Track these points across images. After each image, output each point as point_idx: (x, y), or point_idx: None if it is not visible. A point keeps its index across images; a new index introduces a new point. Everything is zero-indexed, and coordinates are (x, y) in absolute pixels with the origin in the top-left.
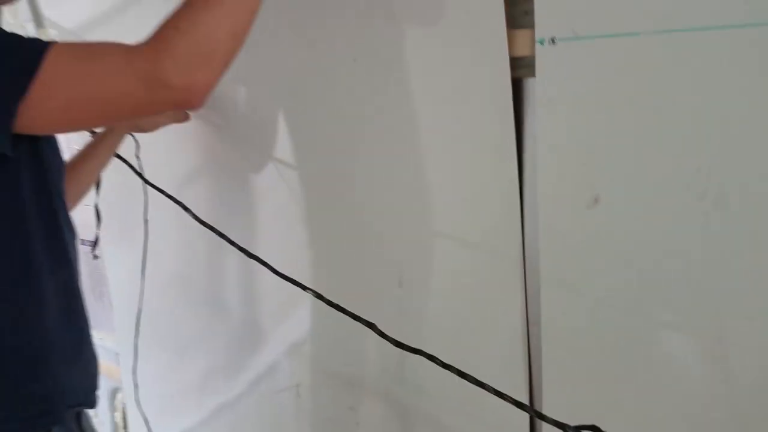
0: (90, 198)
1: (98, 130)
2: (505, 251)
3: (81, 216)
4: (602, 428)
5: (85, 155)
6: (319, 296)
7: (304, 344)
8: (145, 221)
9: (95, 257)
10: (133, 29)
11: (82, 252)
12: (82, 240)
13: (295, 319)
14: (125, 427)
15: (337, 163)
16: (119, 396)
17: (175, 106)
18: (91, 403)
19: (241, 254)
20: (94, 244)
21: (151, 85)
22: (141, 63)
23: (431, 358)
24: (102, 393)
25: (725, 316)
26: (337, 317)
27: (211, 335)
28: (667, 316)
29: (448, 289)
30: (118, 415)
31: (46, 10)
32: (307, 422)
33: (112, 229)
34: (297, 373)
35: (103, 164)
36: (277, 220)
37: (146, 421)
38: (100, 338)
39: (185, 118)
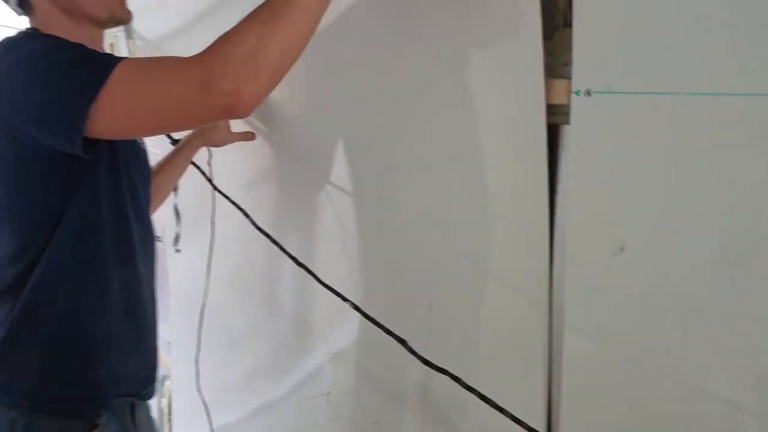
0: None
1: (176, 137)
2: (531, 290)
3: (157, 215)
4: None
5: (163, 164)
6: (356, 308)
7: (339, 354)
8: (212, 223)
9: (177, 251)
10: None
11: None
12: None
13: (334, 330)
14: (170, 413)
15: (382, 196)
16: (167, 383)
17: (222, 111)
18: (145, 396)
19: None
20: (176, 239)
21: (202, 89)
22: (194, 69)
23: (456, 378)
24: None
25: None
26: (372, 332)
27: (260, 335)
28: (682, 368)
29: (475, 318)
30: (164, 402)
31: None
32: (333, 431)
33: (171, 229)
34: (328, 382)
35: (179, 173)
36: (326, 236)
37: (206, 407)
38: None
39: (251, 137)
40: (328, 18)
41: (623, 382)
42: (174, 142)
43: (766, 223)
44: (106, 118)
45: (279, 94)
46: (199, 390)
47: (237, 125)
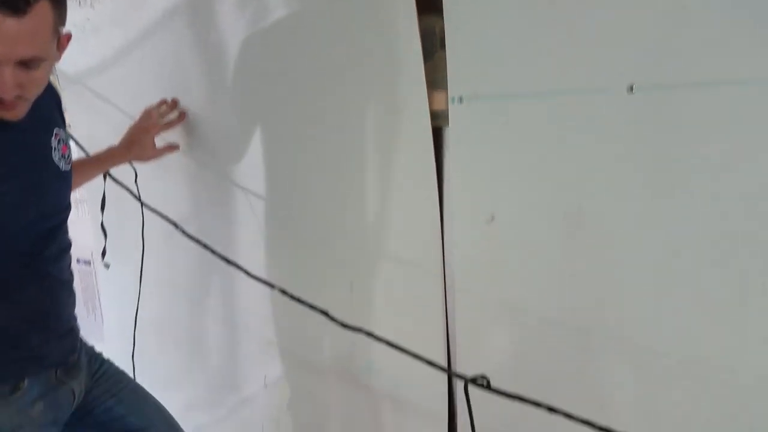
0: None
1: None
2: (429, 262)
3: (84, 240)
4: (489, 378)
5: (79, 166)
6: (284, 292)
7: (270, 341)
8: (142, 237)
9: (106, 265)
10: (135, 74)
11: (80, 270)
12: (78, 259)
13: (264, 318)
14: None
15: (295, 197)
16: None
17: None
18: (67, 363)
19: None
20: (104, 253)
21: None
22: None
23: (369, 334)
24: None
25: (585, 305)
26: (298, 315)
27: (194, 334)
28: (546, 308)
29: (387, 292)
30: None
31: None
32: (273, 410)
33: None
34: (263, 367)
35: (91, 178)
36: (249, 234)
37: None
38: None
39: (175, 149)
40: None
41: (503, 327)
42: None
43: (594, 189)
44: None
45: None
46: (132, 360)
47: (159, 140)
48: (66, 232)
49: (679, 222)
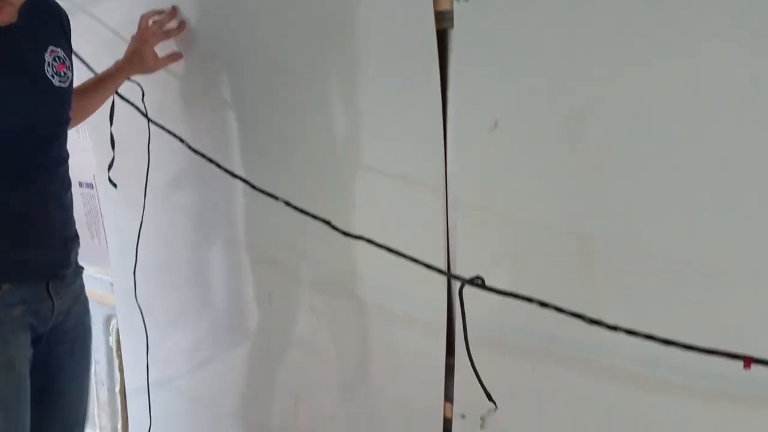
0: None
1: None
2: (430, 172)
3: (84, 161)
4: (485, 279)
5: (90, 87)
6: (287, 203)
7: (275, 255)
8: (148, 152)
9: (114, 185)
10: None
11: (82, 194)
12: (80, 183)
13: (267, 234)
14: (119, 349)
15: (296, 111)
16: (113, 322)
17: None
18: (57, 277)
19: (223, 185)
20: (111, 164)
21: None
22: None
23: (370, 241)
24: (97, 319)
25: (586, 213)
26: (300, 229)
27: (198, 256)
28: (546, 214)
29: (387, 208)
30: (112, 339)
31: None
32: (277, 324)
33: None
34: (268, 285)
35: (104, 99)
36: (252, 157)
37: (142, 314)
38: (95, 271)
39: (178, 57)
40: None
41: (503, 237)
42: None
43: (601, 88)
44: None
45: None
46: (136, 299)
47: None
48: (60, 147)
49: (682, 124)
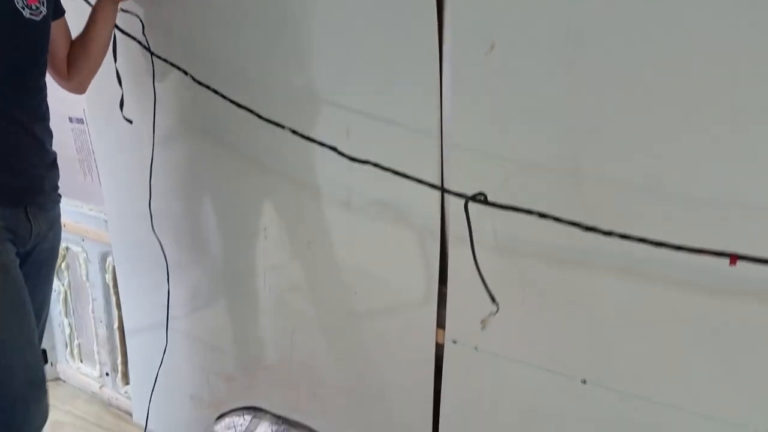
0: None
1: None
2: (426, 95)
3: (75, 96)
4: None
5: (86, 31)
6: (294, 131)
7: (270, 193)
8: (153, 86)
9: (129, 121)
10: None
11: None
12: (70, 118)
13: (261, 172)
14: (116, 286)
15: (298, 45)
16: (109, 259)
17: None
18: (35, 204)
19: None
20: (122, 103)
21: None
22: None
23: (376, 165)
24: (93, 257)
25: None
26: (297, 167)
27: (198, 189)
28: (541, 136)
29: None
30: (108, 277)
31: None
32: (273, 257)
33: (97, 109)
34: (264, 218)
35: (106, 36)
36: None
37: (162, 247)
38: (89, 209)
39: None
40: None
41: (497, 153)
42: None
43: (596, 6)
44: None
45: None
46: (153, 229)
47: None
48: (29, 78)
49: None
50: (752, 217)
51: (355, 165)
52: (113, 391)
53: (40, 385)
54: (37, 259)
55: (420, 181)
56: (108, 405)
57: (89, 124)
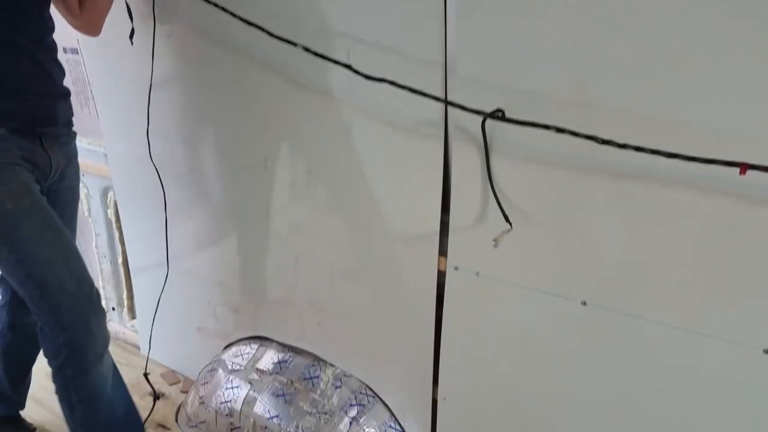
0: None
1: None
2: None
3: (67, 30)
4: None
5: None
6: (306, 49)
7: (269, 123)
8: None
9: (132, 43)
10: None
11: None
12: (65, 48)
13: (262, 101)
14: (118, 221)
15: None
16: (110, 194)
17: None
18: (46, 134)
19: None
20: (132, 34)
21: None
22: None
23: (392, 83)
24: (94, 192)
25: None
26: (298, 92)
27: (198, 121)
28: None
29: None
30: (110, 212)
31: None
32: (274, 188)
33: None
34: (264, 149)
35: None
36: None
37: (159, 176)
38: (88, 143)
39: None
40: None
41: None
42: None
43: None
44: None
45: None
46: (151, 157)
47: None
48: (37, 7)
49: None
50: (761, 129)
51: (356, 93)
52: (120, 326)
53: (94, 300)
54: (58, 199)
55: (429, 96)
56: (115, 339)
57: (84, 54)
